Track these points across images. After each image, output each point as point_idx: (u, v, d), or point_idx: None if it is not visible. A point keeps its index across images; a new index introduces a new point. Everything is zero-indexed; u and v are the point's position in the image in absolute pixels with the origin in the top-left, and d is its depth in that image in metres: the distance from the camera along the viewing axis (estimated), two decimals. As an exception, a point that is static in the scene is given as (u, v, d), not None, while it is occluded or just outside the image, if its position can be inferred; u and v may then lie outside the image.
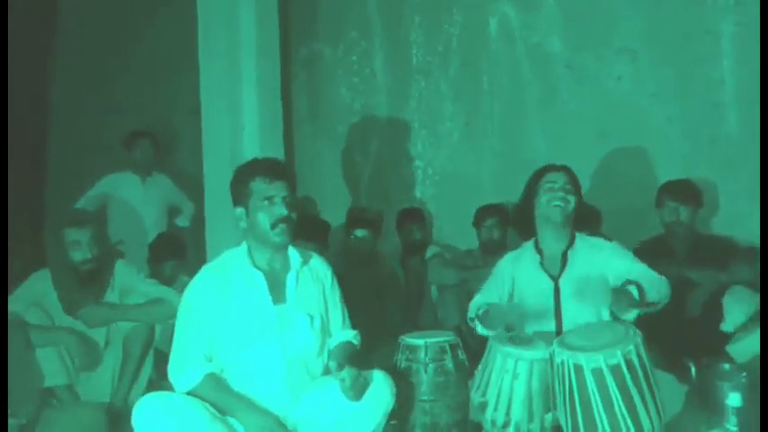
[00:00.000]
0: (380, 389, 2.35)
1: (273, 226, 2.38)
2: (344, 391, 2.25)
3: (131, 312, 3.11)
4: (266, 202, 2.38)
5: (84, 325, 3.09)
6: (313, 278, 2.53)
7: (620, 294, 2.39)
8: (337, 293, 2.60)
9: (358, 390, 2.27)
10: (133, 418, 2.19)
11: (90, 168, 4.69)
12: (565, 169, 2.80)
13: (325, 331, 2.50)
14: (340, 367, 2.28)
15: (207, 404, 2.26)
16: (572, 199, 2.72)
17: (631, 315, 2.47)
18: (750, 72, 3.62)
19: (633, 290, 2.42)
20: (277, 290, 2.43)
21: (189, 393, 2.29)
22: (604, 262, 2.66)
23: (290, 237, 2.43)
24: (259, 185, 2.40)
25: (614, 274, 2.58)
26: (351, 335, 2.58)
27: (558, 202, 2.71)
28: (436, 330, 2.88)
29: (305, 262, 2.52)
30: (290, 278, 2.46)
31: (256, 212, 2.39)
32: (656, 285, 2.52)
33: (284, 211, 2.39)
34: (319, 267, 2.58)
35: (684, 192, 3.45)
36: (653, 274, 2.59)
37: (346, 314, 2.62)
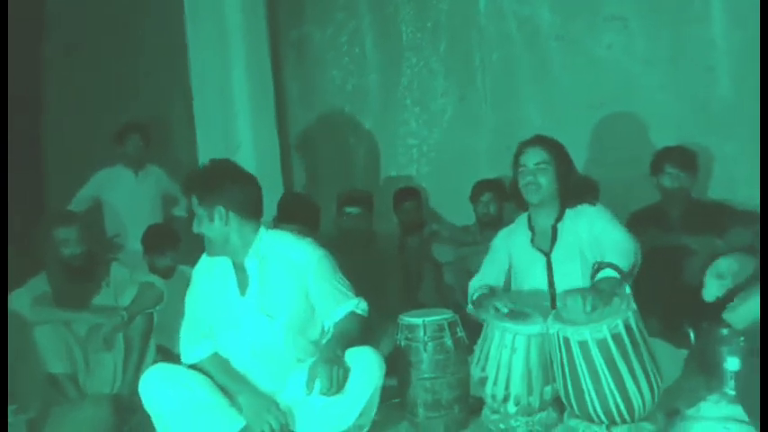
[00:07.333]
0: (367, 366, 2.28)
1: None
2: (322, 390, 2.18)
3: (130, 311, 3.17)
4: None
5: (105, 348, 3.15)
6: (286, 267, 2.41)
7: (602, 283, 2.35)
8: (326, 276, 2.43)
9: (336, 385, 2.19)
10: (140, 387, 2.31)
11: (88, 163, 4.68)
12: (542, 142, 2.72)
13: (293, 325, 2.40)
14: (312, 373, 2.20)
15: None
16: (545, 177, 2.66)
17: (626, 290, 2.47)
18: (742, 34, 3.60)
19: (610, 272, 2.39)
20: (244, 280, 2.44)
21: (195, 367, 2.39)
22: (588, 226, 2.65)
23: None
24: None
25: (595, 236, 2.59)
26: (351, 305, 2.44)
27: (530, 187, 2.69)
28: (435, 308, 2.90)
29: (275, 248, 2.42)
30: (251, 267, 2.42)
31: None
32: (624, 252, 2.47)
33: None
34: (297, 255, 2.43)
35: (684, 158, 3.43)
36: (622, 236, 2.55)
37: (344, 288, 2.46)
